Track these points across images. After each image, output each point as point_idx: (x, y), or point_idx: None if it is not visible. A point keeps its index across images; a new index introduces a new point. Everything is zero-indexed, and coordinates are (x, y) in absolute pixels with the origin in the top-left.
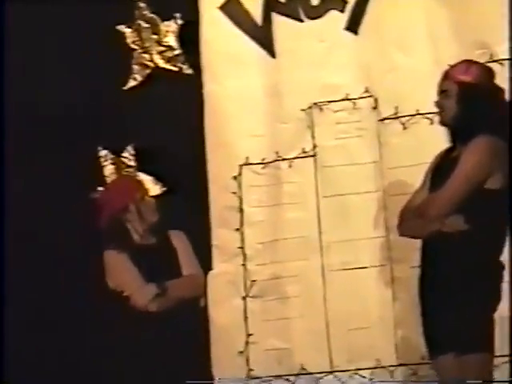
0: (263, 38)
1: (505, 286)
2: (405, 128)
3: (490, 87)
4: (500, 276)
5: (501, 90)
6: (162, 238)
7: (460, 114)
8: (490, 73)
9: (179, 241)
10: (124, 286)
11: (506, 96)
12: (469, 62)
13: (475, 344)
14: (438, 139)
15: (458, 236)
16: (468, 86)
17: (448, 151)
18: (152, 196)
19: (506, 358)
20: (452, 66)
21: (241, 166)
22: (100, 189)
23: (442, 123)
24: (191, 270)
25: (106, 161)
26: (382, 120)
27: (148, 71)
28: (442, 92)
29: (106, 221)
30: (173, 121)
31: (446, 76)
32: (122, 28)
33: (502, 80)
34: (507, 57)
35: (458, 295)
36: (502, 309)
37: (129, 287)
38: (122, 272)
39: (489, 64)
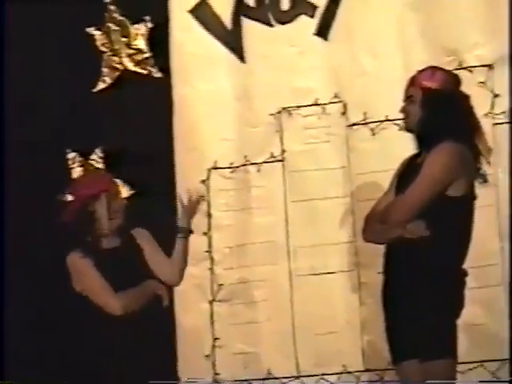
0: (233, 42)
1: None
2: (373, 134)
3: (455, 94)
4: (462, 283)
5: (466, 97)
6: (127, 238)
7: (424, 119)
8: (455, 79)
9: (144, 240)
10: (91, 294)
11: (472, 103)
12: (434, 68)
13: (438, 350)
14: (407, 145)
15: (419, 242)
16: (432, 91)
17: (414, 157)
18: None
19: (473, 365)
20: (418, 72)
21: (209, 169)
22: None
23: (407, 129)
24: (162, 267)
25: (74, 163)
26: (350, 126)
27: (117, 74)
28: (408, 98)
29: (72, 215)
30: (142, 124)
31: (412, 82)
32: (91, 30)
33: (470, 87)
34: (476, 64)
35: (420, 302)
36: (468, 315)
37: (96, 297)
38: (86, 276)
39: (457, 71)
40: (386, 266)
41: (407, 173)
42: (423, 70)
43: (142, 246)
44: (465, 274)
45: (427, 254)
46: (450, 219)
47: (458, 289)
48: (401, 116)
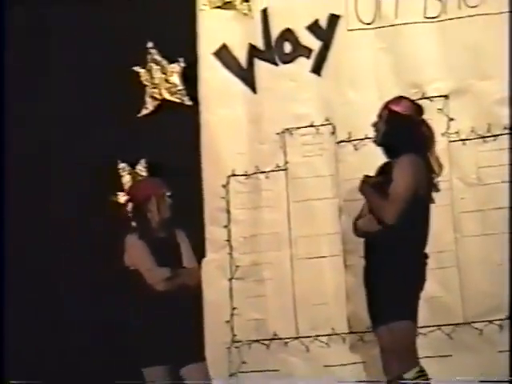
0: (247, 77)
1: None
2: (356, 149)
3: (413, 118)
4: (424, 263)
5: (423, 123)
6: (171, 233)
7: (386, 133)
8: (417, 108)
9: (182, 238)
10: (140, 265)
11: (431, 126)
12: (403, 97)
13: (402, 312)
14: (381, 158)
15: (392, 232)
16: (395, 113)
17: (385, 165)
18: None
19: (433, 328)
20: (390, 99)
21: (228, 176)
22: (119, 193)
23: (376, 143)
24: (191, 264)
25: (124, 171)
26: (338, 142)
27: (157, 102)
28: (378, 117)
29: (131, 209)
30: (176, 141)
31: (384, 106)
32: (137, 69)
33: (431, 112)
34: (435, 94)
35: (393, 277)
36: (429, 290)
37: (145, 266)
38: (140, 253)
39: (421, 100)
40: (366, 251)
41: (378, 177)
42: (395, 97)
43: (179, 241)
44: (426, 256)
45: (398, 241)
46: (414, 214)
47: (421, 267)
48: None
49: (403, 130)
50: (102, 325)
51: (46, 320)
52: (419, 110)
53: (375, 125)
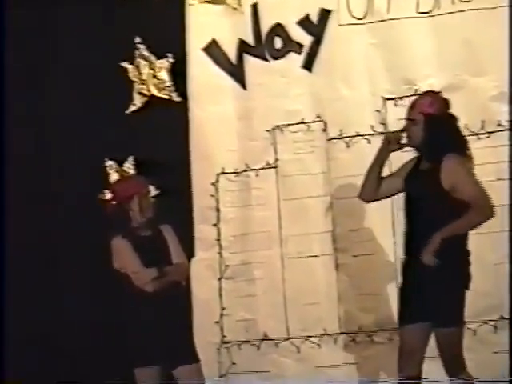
0: (237, 73)
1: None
2: (348, 146)
3: (449, 117)
4: (468, 260)
5: (455, 118)
6: (156, 230)
7: (427, 139)
8: (447, 104)
9: (169, 234)
10: (127, 267)
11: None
12: (432, 96)
13: (458, 318)
14: (374, 155)
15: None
16: (432, 116)
17: (416, 162)
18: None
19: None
20: (419, 98)
21: (218, 174)
22: (106, 191)
23: (410, 145)
24: (179, 259)
25: (111, 169)
26: (329, 139)
27: (145, 99)
28: (410, 120)
29: (114, 208)
30: (165, 138)
31: (413, 106)
32: (125, 64)
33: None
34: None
35: (445, 280)
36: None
37: (132, 269)
38: (126, 256)
39: (413, 97)
40: (408, 250)
41: (414, 177)
42: (422, 96)
43: (166, 238)
44: (469, 253)
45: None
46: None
47: (468, 265)
48: (369, 132)
49: (443, 133)
50: (100, 325)
51: (46, 320)
52: (448, 105)
53: (407, 129)
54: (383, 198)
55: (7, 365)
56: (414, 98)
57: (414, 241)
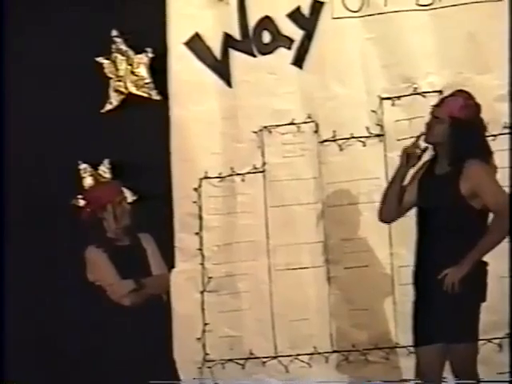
0: (221, 70)
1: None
2: (341, 149)
3: (478, 124)
4: (486, 271)
5: (483, 125)
6: (134, 239)
7: (451, 143)
8: (477, 108)
9: (148, 243)
10: (102, 279)
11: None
12: (463, 99)
13: (467, 334)
14: (369, 159)
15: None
16: (460, 121)
17: (430, 165)
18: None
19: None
20: (448, 97)
21: (201, 179)
22: (79, 196)
23: (428, 141)
24: (159, 270)
25: (85, 173)
26: (321, 142)
27: (122, 97)
28: (435, 117)
29: (88, 217)
30: (143, 139)
31: (442, 105)
32: (100, 59)
33: (424, 109)
34: (428, 90)
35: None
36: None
37: (107, 281)
38: (100, 267)
39: (412, 96)
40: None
41: (429, 181)
42: (453, 96)
43: (145, 247)
44: (486, 264)
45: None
46: (473, 226)
47: (484, 276)
48: (364, 134)
49: (468, 139)
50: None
51: (46, 320)
52: (479, 110)
53: (429, 125)
54: (404, 214)
55: (7, 365)
56: (445, 95)
57: (426, 252)
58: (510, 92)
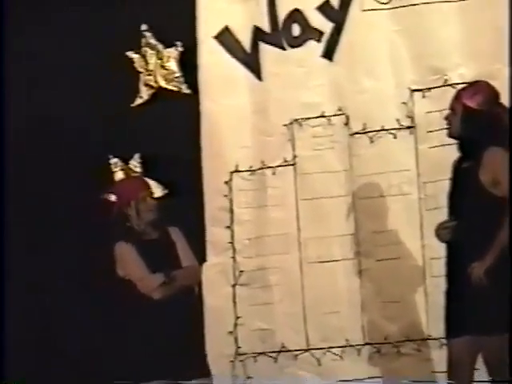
0: (251, 63)
1: None
2: (372, 141)
3: (492, 111)
4: None
5: (501, 110)
6: (163, 233)
7: (464, 131)
8: (494, 95)
9: (177, 236)
10: (132, 274)
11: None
12: (476, 88)
13: (500, 326)
14: (400, 151)
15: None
16: (472, 110)
17: (459, 161)
18: (155, 197)
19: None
20: (463, 88)
21: (231, 172)
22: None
23: (450, 135)
24: (189, 262)
25: (116, 167)
26: (352, 134)
27: (153, 91)
28: (451, 109)
29: (115, 214)
30: (174, 133)
31: (456, 96)
32: (130, 54)
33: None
34: (459, 81)
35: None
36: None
37: (136, 276)
38: (130, 262)
39: (443, 88)
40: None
41: (456, 177)
42: (467, 86)
43: (175, 240)
44: None
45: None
46: (496, 214)
47: None
48: (395, 126)
49: (481, 128)
50: (101, 331)
51: (46, 320)
52: (496, 95)
53: (447, 119)
54: None
55: (7, 365)
56: (462, 87)
57: (456, 243)
58: (510, 92)
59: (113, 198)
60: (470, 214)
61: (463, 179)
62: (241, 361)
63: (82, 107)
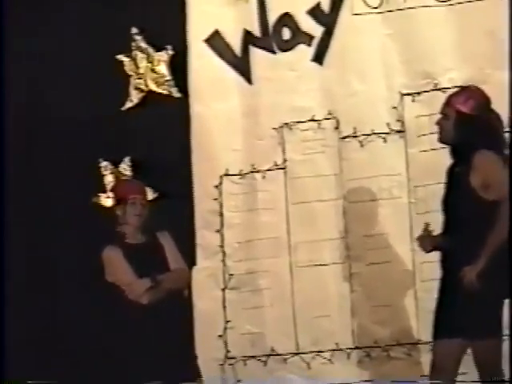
0: (242, 67)
1: None
2: (362, 145)
3: (484, 115)
4: None
5: (493, 116)
6: (150, 237)
7: (457, 136)
8: (486, 101)
9: (165, 240)
10: (119, 280)
11: (503, 116)
12: (469, 93)
13: (490, 330)
14: (390, 155)
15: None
16: (464, 115)
17: (452, 167)
18: (147, 202)
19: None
20: (454, 93)
21: (221, 176)
22: (100, 194)
23: (441, 140)
24: (177, 265)
25: (106, 170)
26: (342, 138)
27: (143, 94)
28: (443, 114)
29: (108, 215)
30: (164, 136)
31: (448, 101)
32: (120, 57)
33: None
34: (448, 86)
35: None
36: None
37: (124, 281)
38: (118, 267)
39: (432, 92)
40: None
41: (449, 181)
42: (459, 92)
43: (163, 244)
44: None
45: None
46: (486, 218)
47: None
48: (385, 130)
49: (473, 133)
50: (100, 331)
51: (46, 320)
52: (487, 101)
53: (439, 124)
54: None
55: (7, 365)
56: (452, 91)
57: (448, 247)
58: (509, 92)
59: (109, 199)
60: (461, 218)
61: (455, 183)
62: (230, 364)
63: (72, 109)
